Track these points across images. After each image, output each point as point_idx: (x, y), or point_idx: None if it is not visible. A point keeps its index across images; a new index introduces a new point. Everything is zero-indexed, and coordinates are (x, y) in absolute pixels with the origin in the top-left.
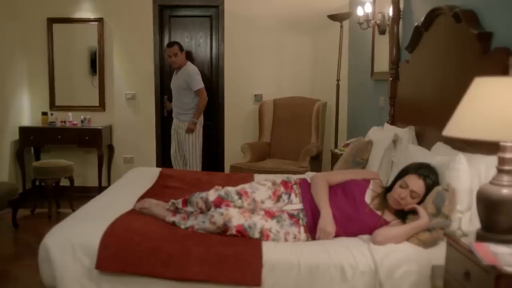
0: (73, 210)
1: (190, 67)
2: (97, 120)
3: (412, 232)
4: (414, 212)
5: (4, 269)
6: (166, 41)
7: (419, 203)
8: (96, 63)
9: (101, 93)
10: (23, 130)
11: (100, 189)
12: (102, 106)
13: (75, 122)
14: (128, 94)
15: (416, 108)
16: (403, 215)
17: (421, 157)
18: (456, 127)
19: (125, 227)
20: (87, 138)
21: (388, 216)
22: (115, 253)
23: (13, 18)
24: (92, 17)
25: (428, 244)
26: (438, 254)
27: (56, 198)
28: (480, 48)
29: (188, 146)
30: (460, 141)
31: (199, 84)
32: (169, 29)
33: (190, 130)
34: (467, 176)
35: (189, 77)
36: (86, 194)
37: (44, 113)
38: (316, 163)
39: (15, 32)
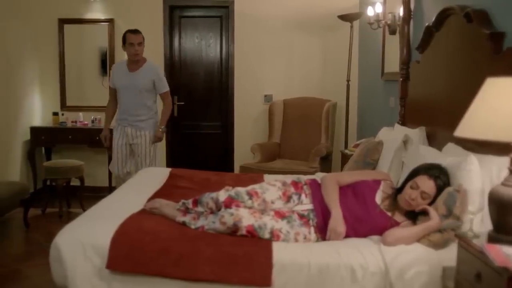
0: (84, 210)
1: (155, 65)
2: None
3: (423, 233)
4: (424, 213)
5: (16, 268)
6: (176, 42)
7: (430, 204)
8: (107, 64)
9: None
10: (35, 130)
11: (110, 189)
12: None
13: (85, 122)
14: None
15: (426, 109)
16: (413, 216)
17: (432, 158)
18: (467, 127)
19: (136, 227)
20: (97, 138)
21: (398, 217)
22: (125, 253)
23: (24, 19)
24: (102, 18)
25: (439, 245)
26: (449, 255)
27: (66, 197)
28: (492, 48)
29: (148, 160)
30: (472, 141)
31: (167, 86)
32: (179, 30)
33: (159, 139)
34: (478, 177)
35: (158, 77)
36: (96, 194)
37: (55, 113)
38: (326, 164)
39: (26, 33)
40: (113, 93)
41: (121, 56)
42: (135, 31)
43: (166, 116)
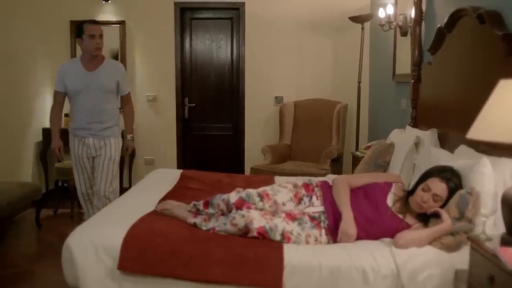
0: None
1: (118, 62)
2: None
3: (435, 236)
4: (436, 215)
5: (28, 268)
6: (187, 44)
7: (442, 206)
8: None
9: None
10: (47, 132)
11: (121, 190)
12: (123, 107)
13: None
14: (149, 96)
15: (438, 111)
16: (425, 218)
17: (444, 160)
18: (480, 130)
19: (147, 228)
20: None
21: (410, 219)
22: (137, 254)
23: (36, 21)
24: (114, 20)
25: (451, 248)
26: (462, 258)
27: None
28: (505, 49)
29: (111, 175)
30: (484, 144)
31: (129, 86)
32: (190, 31)
33: (130, 149)
34: (491, 179)
35: (122, 76)
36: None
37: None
38: (337, 166)
39: (38, 35)
40: (61, 99)
41: (132, 57)
42: (94, 21)
43: (131, 122)
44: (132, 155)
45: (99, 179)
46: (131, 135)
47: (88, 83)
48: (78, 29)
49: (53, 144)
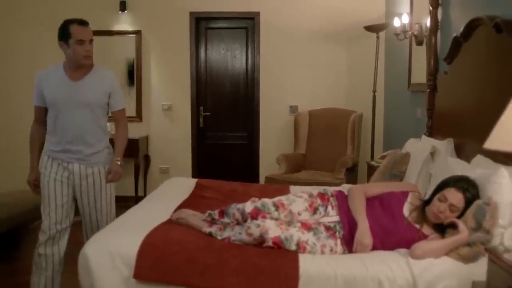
0: None
1: (110, 71)
2: (134, 131)
3: (451, 247)
4: (453, 226)
5: None
6: (202, 53)
7: (459, 217)
8: (134, 75)
9: (138, 104)
10: None
11: (136, 198)
12: (139, 116)
13: (112, 133)
14: (165, 105)
15: (455, 120)
16: (442, 229)
17: (461, 170)
18: (497, 139)
19: (163, 237)
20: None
21: (426, 229)
22: (152, 263)
23: (55, 31)
24: (130, 30)
25: (468, 259)
26: (479, 269)
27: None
28: None
29: (103, 204)
30: (502, 154)
31: (124, 100)
32: (205, 41)
33: (118, 177)
34: (509, 190)
35: (115, 88)
36: (122, 203)
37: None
38: (351, 175)
39: (56, 45)
40: (41, 115)
41: (148, 66)
42: (84, 23)
43: (123, 143)
44: (148, 162)
45: (87, 215)
46: (119, 159)
47: (72, 96)
48: (62, 30)
49: (29, 176)
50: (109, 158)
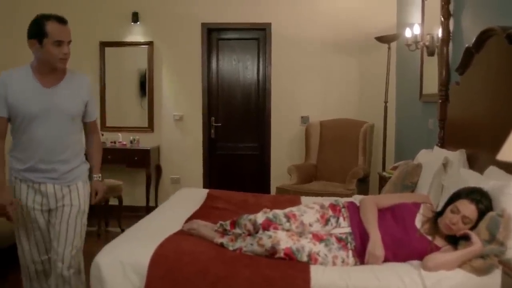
0: (121, 229)
1: (83, 75)
2: (145, 141)
3: (464, 259)
4: (466, 238)
5: None
6: (214, 64)
7: (472, 228)
8: (146, 85)
9: (150, 114)
10: None
11: (147, 208)
12: (150, 127)
13: (124, 143)
14: (176, 115)
15: (467, 131)
16: (454, 241)
17: (473, 181)
18: (510, 151)
19: (174, 248)
20: (136, 158)
21: (439, 241)
22: (164, 274)
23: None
24: (142, 41)
25: (481, 271)
26: (493, 282)
27: (105, 217)
28: None
29: (83, 231)
30: None
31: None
32: (216, 52)
33: (102, 195)
34: None
35: (91, 96)
36: (134, 213)
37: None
38: (363, 186)
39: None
40: (3, 127)
41: (160, 77)
42: (64, 21)
43: (99, 156)
44: (159, 172)
45: (58, 242)
46: (99, 175)
47: (46, 106)
48: (36, 27)
49: (2, 198)
50: (87, 173)
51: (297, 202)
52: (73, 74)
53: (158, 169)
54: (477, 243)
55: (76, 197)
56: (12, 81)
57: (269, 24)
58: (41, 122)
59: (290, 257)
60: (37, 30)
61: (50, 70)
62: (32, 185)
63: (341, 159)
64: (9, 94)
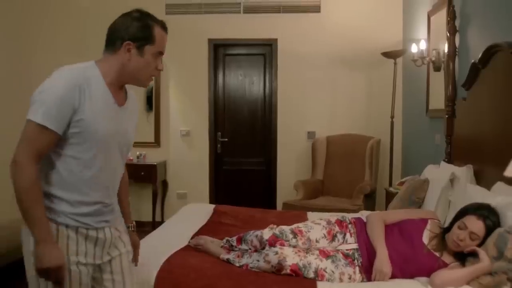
0: None
1: (133, 94)
2: (152, 156)
3: (472, 276)
4: (474, 254)
5: None
6: (220, 79)
7: (480, 245)
8: (152, 100)
9: (157, 129)
10: None
11: (154, 224)
12: (157, 142)
13: (131, 158)
14: (183, 130)
15: (474, 147)
16: (462, 257)
17: (481, 197)
18: None
19: (181, 263)
20: (142, 173)
21: (446, 258)
22: None
23: (76, 56)
24: None
25: None
26: None
27: None
28: None
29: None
30: None
31: None
32: (223, 67)
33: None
34: None
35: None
36: (140, 228)
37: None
38: (370, 201)
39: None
40: (45, 148)
41: (167, 92)
42: (166, 29)
43: (128, 199)
44: (165, 187)
45: None
46: (134, 224)
47: (118, 130)
48: (143, 28)
49: (52, 259)
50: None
51: (303, 218)
52: (128, 90)
53: (165, 184)
54: (485, 260)
55: (126, 239)
56: (91, 89)
57: (276, 40)
58: (105, 149)
59: (296, 273)
60: (145, 33)
61: (122, 85)
62: (88, 231)
63: (348, 175)
64: (85, 106)
